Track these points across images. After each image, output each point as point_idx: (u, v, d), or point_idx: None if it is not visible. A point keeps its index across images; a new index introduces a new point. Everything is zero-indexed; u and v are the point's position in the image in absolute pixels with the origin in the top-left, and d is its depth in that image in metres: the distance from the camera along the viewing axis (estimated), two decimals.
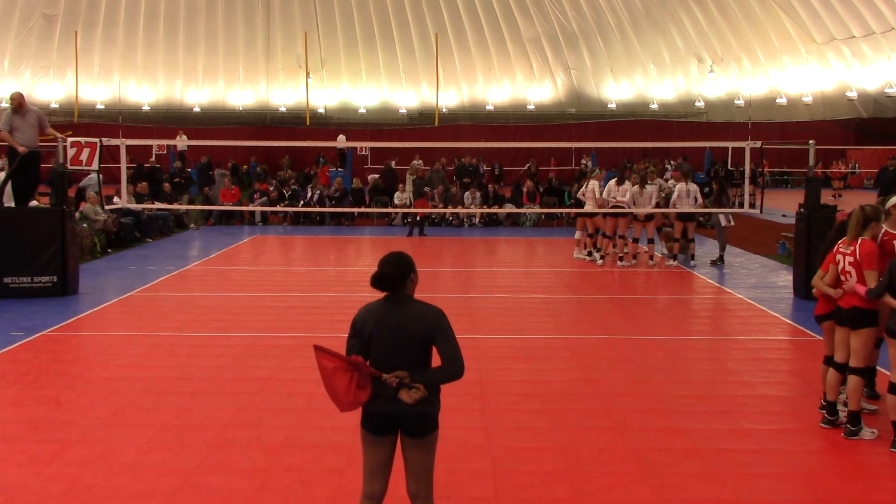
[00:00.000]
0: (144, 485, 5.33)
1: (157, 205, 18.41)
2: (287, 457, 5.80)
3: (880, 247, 6.25)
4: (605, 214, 14.58)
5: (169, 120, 40.71)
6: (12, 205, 11.96)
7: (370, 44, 43.40)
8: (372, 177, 27.38)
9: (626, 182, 14.33)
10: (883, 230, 6.39)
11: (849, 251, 6.20)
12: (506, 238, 19.49)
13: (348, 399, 3.96)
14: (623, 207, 14.17)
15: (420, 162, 24.92)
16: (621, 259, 14.68)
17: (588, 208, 14.72)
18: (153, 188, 20.91)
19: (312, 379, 4.34)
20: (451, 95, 43.89)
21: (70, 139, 11.80)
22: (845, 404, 6.36)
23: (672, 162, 26.77)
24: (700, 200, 14.62)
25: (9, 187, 11.99)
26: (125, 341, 9.13)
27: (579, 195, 15.53)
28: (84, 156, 11.61)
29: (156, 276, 13.20)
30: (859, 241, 6.15)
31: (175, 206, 19.65)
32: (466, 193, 21.91)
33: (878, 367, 7.01)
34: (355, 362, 3.95)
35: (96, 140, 11.96)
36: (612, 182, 14.49)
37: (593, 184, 14.71)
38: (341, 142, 28.64)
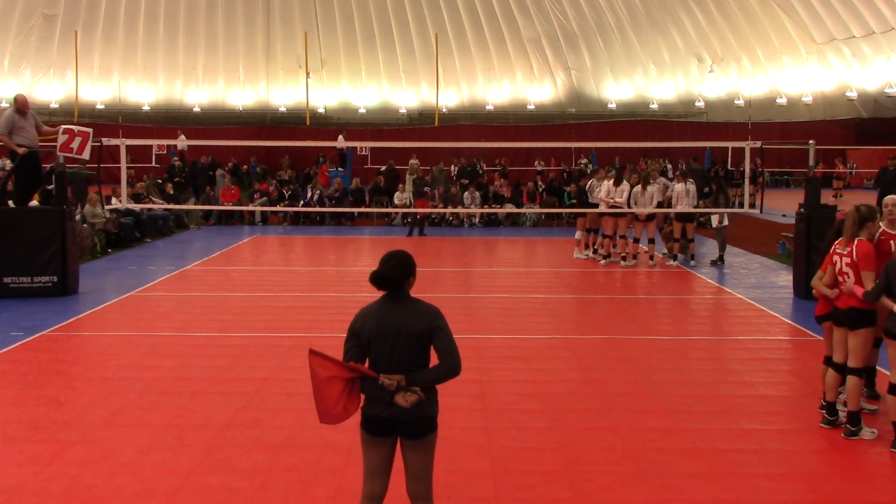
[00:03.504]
0: (144, 485, 5.33)
1: (157, 205, 18.40)
2: (287, 457, 5.80)
3: (877, 246, 6.24)
4: (606, 214, 14.60)
5: (169, 120, 40.68)
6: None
7: (370, 44, 43.37)
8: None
9: (624, 182, 14.35)
10: (880, 230, 6.39)
11: (845, 252, 6.19)
12: (506, 238, 19.49)
13: (337, 410, 3.93)
14: (620, 208, 14.17)
15: (417, 162, 24.90)
16: (624, 259, 14.67)
17: (602, 208, 14.64)
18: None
19: None
20: (451, 95, 43.87)
21: (63, 126, 11.85)
22: (845, 404, 6.36)
23: (682, 165, 26.71)
24: (695, 201, 14.63)
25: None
26: (125, 341, 9.13)
27: (596, 196, 14.90)
28: (75, 144, 11.58)
29: (156, 276, 13.20)
30: (855, 241, 6.15)
31: (177, 207, 19.65)
32: (466, 193, 21.93)
33: (878, 368, 7.02)
34: (354, 367, 3.94)
35: (89, 130, 11.96)
36: (610, 182, 14.47)
37: (605, 184, 14.58)
38: (341, 142, 28.64)
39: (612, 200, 14.28)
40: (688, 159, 27.62)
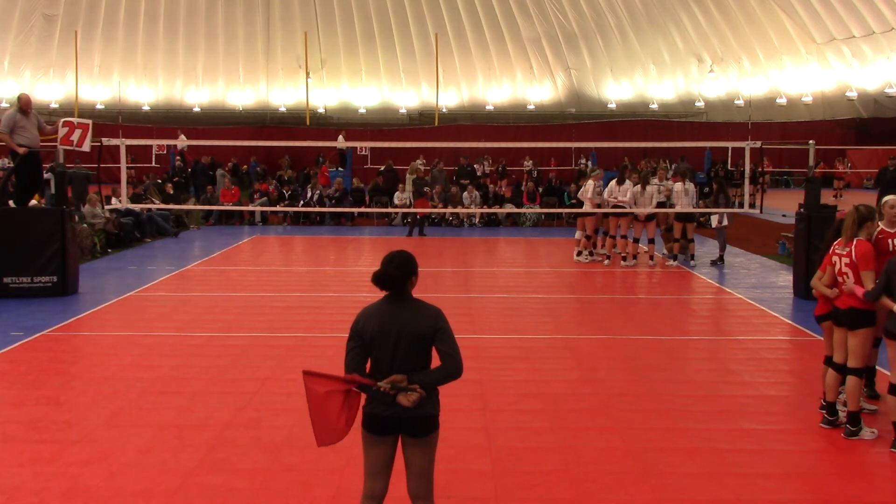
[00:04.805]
0: (144, 485, 5.33)
1: (157, 204, 18.40)
2: (287, 457, 5.80)
3: (875, 245, 6.24)
4: (605, 214, 14.61)
5: (169, 120, 40.68)
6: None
7: (370, 44, 43.38)
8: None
9: (627, 182, 14.36)
10: (878, 229, 6.39)
11: (844, 252, 6.19)
12: (506, 238, 19.49)
13: (339, 424, 3.92)
14: (624, 207, 14.19)
15: (423, 162, 24.87)
16: (625, 259, 14.66)
17: (585, 208, 14.72)
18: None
19: None
20: (451, 95, 43.87)
21: (62, 119, 11.89)
22: (845, 404, 6.36)
23: (673, 164, 26.69)
24: (693, 201, 14.65)
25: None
26: (125, 341, 9.13)
27: (580, 195, 15.47)
28: (75, 136, 11.59)
29: (156, 276, 13.20)
30: (855, 241, 6.15)
31: (177, 207, 19.63)
32: (466, 193, 21.93)
33: (878, 368, 7.02)
34: (350, 379, 3.93)
35: (88, 121, 11.98)
36: (613, 182, 14.49)
37: (590, 184, 14.69)
38: (341, 142, 28.63)
39: (615, 200, 14.30)
40: (676, 159, 27.55)
